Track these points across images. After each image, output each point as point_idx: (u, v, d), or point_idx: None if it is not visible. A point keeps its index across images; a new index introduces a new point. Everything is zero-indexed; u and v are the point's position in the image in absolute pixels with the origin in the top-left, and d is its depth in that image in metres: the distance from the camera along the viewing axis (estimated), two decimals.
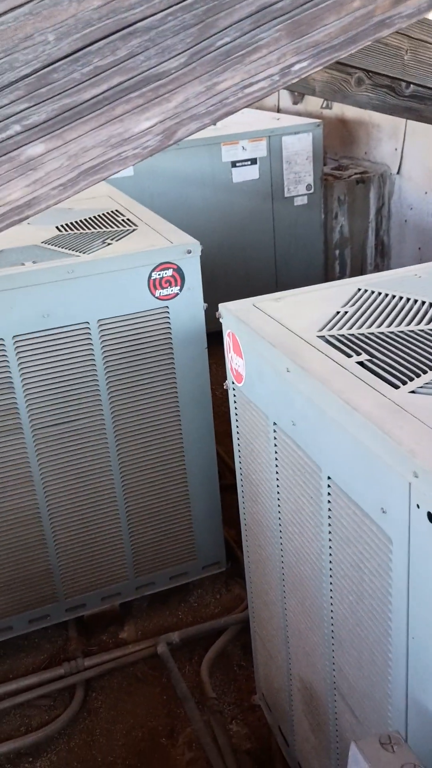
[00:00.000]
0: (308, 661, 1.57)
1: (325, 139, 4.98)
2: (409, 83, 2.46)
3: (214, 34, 0.57)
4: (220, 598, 2.54)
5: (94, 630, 2.42)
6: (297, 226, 4.44)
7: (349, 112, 4.84)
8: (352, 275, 4.55)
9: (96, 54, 0.54)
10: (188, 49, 0.56)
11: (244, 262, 4.38)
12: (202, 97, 0.58)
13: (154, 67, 0.56)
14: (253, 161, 4.18)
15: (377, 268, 4.80)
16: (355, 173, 4.63)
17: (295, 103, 5.48)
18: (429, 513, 0.98)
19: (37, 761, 2.00)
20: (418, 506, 1.00)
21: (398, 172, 4.50)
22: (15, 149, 0.53)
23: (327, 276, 4.70)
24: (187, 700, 2.07)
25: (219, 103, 0.59)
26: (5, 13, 0.50)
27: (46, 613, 2.36)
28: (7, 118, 0.52)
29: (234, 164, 4.14)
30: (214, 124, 0.67)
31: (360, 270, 4.78)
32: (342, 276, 4.73)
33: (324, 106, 5.10)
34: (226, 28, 0.57)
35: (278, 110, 5.66)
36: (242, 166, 4.17)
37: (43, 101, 0.53)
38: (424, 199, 4.34)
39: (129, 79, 0.55)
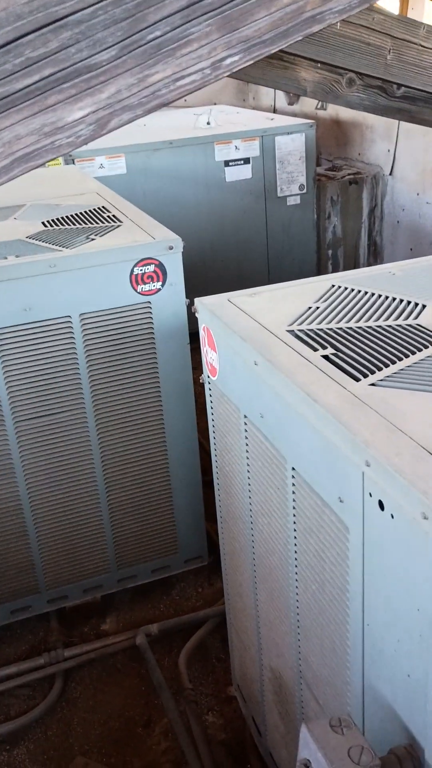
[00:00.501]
0: (277, 651, 1.60)
1: (320, 139, 5.00)
2: (392, 83, 2.49)
3: (144, 28, 0.59)
4: (201, 591, 2.56)
5: (76, 622, 2.44)
6: (290, 226, 4.46)
7: (344, 113, 4.86)
8: None
9: (27, 46, 0.56)
10: (119, 42, 0.59)
11: (237, 260, 4.40)
12: (134, 88, 0.61)
13: (85, 59, 0.58)
14: (246, 161, 4.20)
15: None
16: (349, 174, 4.66)
17: (290, 103, 5.51)
18: (380, 501, 1.00)
19: (15, 749, 2.02)
20: (370, 495, 1.02)
21: (391, 174, 4.52)
22: None
23: (319, 275, 4.72)
24: (163, 690, 2.10)
25: (151, 95, 0.61)
26: None
27: (28, 604, 2.38)
28: None
29: (227, 163, 4.17)
30: (146, 115, 0.68)
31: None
32: None
33: (319, 107, 5.13)
34: (156, 23, 0.60)
35: (274, 110, 5.69)
36: (235, 165, 4.19)
37: None
38: (416, 200, 4.37)
39: (61, 70, 0.58)
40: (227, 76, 0.70)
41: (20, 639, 2.41)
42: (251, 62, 0.65)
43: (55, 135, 0.58)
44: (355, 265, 4.81)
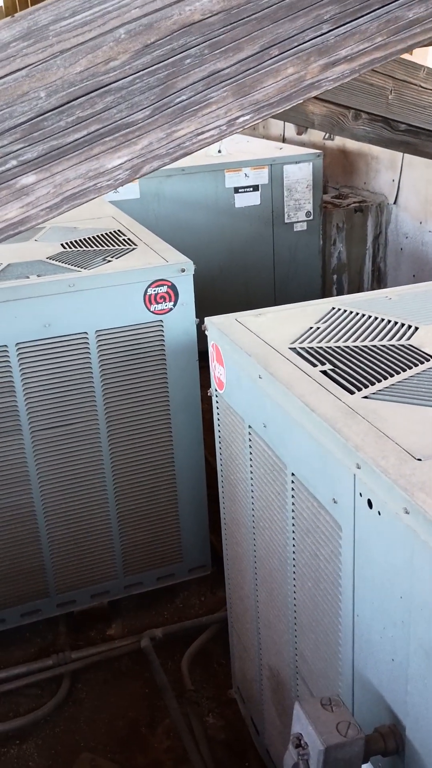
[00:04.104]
0: (276, 649, 1.70)
1: (327, 168, 5.17)
2: (394, 121, 2.63)
3: (173, 93, 0.73)
4: (205, 600, 2.66)
5: (83, 626, 2.54)
6: (296, 251, 4.61)
7: (350, 143, 5.03)
8: None
9: (78, 107, 0.69)
10: (152, 104, 0.72)
11: (245, 284, 4.55)
12: (163, 141, 0.74)
13: (124, 118, 0.72)
14: (255, 188, 4.36)
15: None
16: (354, 202, 4.82)
17: (299, 133, 5.69)
18: (369, 500, 1.12)
19: (24, 744, 2.12)
20: (360, 494, 1.14)
21: (395, 202, 4.68)
22: (12, 179, 0.68)
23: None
24: (166, 692, 2.20)
25: (177, 146, 0.75)
26: (7, 75, 0.65)
27: (38, 608, 2.49)
28: (6, 155, 0.67)
29: (237, 190, 4.33)
30: (172, 162, 0.80)
31: None
32: None
33: (326, 137, 5.30)
34: (183, 89, 0.73)
35: (283, 140, 5.87)
36: (244, 192, 4.35)
37: (35, 142, 0.68)
38: (419, 228, 4.51)
39: (104, 127, 0.71)
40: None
41: (29, 642, 2.51)
42: (260, 120, 0.78)
43: (97, 179, 0.71)
44: (359, 290, 4.95)
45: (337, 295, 4.95)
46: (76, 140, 0.69)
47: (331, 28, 0.75)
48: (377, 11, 0.76)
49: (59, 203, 0.71)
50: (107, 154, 0.71)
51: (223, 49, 0.72)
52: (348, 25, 0.76)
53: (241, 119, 0.76)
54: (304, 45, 0.75)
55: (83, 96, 0.69)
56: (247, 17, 0.72)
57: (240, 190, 4.33)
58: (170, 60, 0.71)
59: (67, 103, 0.68)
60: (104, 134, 0.71)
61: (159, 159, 0.74)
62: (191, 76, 0.72)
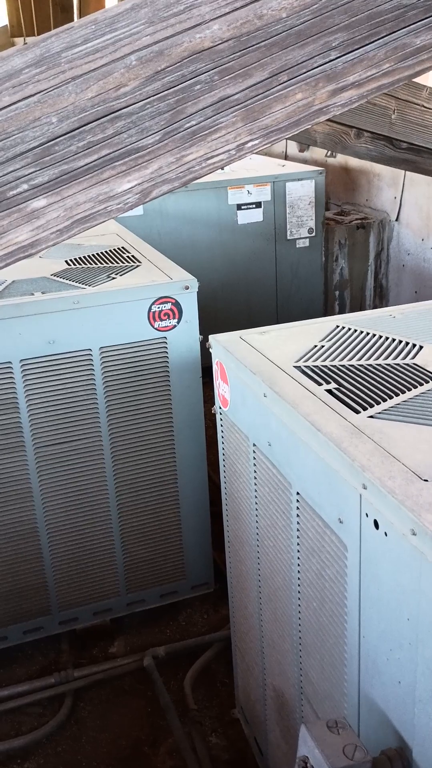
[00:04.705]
0: (280, 669, 1.69)
1: (329, 186, 5.20)
2: (396, 139, 2.65)
3: (183, 119, 0.73)
4: (208, 618, 2.65)
5: (86, 644, 2.53)
6: (298, 267, 4.63)
7: (352, 161, 5.06)
8: None
9: (89, 132, 0.70)
10: (162, 129, 0.73)
11: (247, 300, 4.56)
12: (172, 166, 0.74)
13: (134, 142, 0.72)
14: (258, 205, 4.38)
15: None
16: (356, 219, 4.84)
17: (301, 151, 5.73)
18: (375, 521, 1.11)
19: (26, 763, 2.10)
20: (367, 515, 1.14)
21: (397, 219, 4.70)
22: (23, 202, 0.68)
23: (326, 315, 4.87)
24: (169, 711, 2.18)
25: (186, 170, 0.75)
26: (20, 101, 0.66)
27: (40, 626, 2.47)
28: (18, 179, 0.67)
29: (239, 207, 4.35)
30: (183, 187, 0.80)
31: (359, 311, 4.95)
32: None
33: (329, 154, 5.33)
34: (192, 114, 0.74)
35: (286, 157, 5.90)
36: (247, 209, 4.37)
37: (47, 167, 0.69)
38: (420, 245, 4.53)
39: (114, 151, 0.72)
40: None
41: (31, 659, 2.50)
42: (269, 145, 0.79)
43: (107, 202, 0.72)
44: (361, 306, 4.97)
45: (339, 311, 4.96)
46: (86, 164, 0.70)
47: (339, 54, 0.76)
48: (385, 38, 0.77)
49: (69, 226, 0.71)
50: (117, 178, 0.72)
51: (232, 75, 0.73)
52: (356, 51, 0.77)
53: (250, 144, 0.76)
54: (313, 71, 0.76)
55: (94, 121, 0.69)
56: (257, 44, 0.72)
57: (243, 207, 4.36)
58: (180, 86, 0.72)
59: (79, 128, 0.69)
60: (115, 159, 0.71)
61: (169, 183, 0.74)
62: (201, 101, 0.73)
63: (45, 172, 0.69)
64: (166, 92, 0.72)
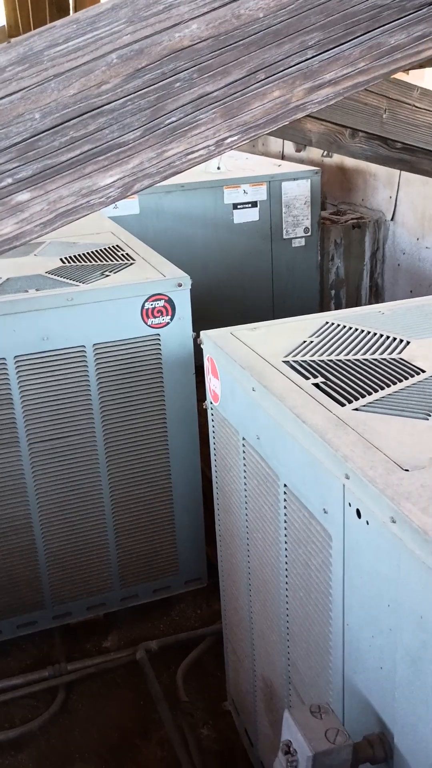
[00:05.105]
0: (269, 660, 1.71)
1: (325, 185, 5.23)
2: (390, 139, 2.68)
3: (163, 115, 0.76)
4: (200, 613, 2.67)
5: (79, 638, 2.55)
6: (294, 267, 4.65)
7: (348, 161, 5.09)
8: None
9: (71, 128, 0.72)
10: (143, 125, 0.75)
11: (243, 299, 4.58)
12: (153, 161, 0.77)
13: (116, 138, 0.75)
14: (254, 204, 4.40)
15: None
16: (352, 218, 4.86)
17: (298, 150, 5.75)
18: (358, 510, 1.14)
19: (19, 754, 2.13)
20: (349, 504, 1.16)
21: (392, 219, 4.72)
22: (7, 196, 0.71)
23: None
24: (160, 703, 2.20)
25: (167, 165, 0.78)
26: (3, 97, 0.68)
27: (34, 620, 2.50)
28: (2, 173, 0.70)
29: (235, 206, 4.37)
30: (163, 181, 0.83)
31: None
32: None
33: (325, 154, 5.36)
34: (173, 111, 0.76)
35: (282, 157, 5.93)
36: (243, 208, 4.39)
37: (30, 161, 0.71)
38: (416, 244, 4.56)
39: (96, 147, 0.74)
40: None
41: (25, 653, 2.52)
42: (248, 141, 0.81)
43: (90, 196, 0.74)
44: (357, 305, 4.99)
45: (335, 310, 4.99)
46: (69, 159, 0.72)
47: (315, 53, 0.79)
48: (360, 38, 0.79)
49: (53, 219, 0.73)
50: (99, 172, 0.74)
51: (211, 73, 0.76)
52: (332, 50, 0.79)
53: (229, 140, 0.79)
54: (290, 69, 0.78)
55: (76, 117, 0.72)
56: (234, 43, 0.75)
57: (239, 206, 4.38)
58: (160, 83, 0.74)
59: (61, 124, 0.72)
60: (97, 154, 0.74)
61: (150, 177, 0.77)
62: (181, 98, 0.75)
63: (28, 166, 0.71)
64: (146, 89, 0.74)
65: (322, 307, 4.91)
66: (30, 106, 0.69)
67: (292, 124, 3.30)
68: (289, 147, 5.86)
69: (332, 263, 4.86)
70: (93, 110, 0.72)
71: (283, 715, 1.37)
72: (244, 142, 0.79)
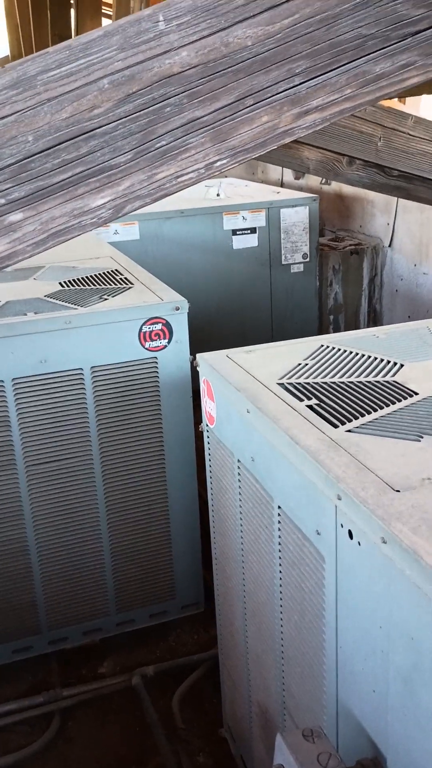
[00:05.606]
0: (264, 685, 1.70)
1: (324, 212, 5.28)
2: (387, 167, 2.72)
3: (154, 139, 0.78)
4: (197, 638, 2.65)
5: (75, 663, 2.53)
6: (293, 292, 4.68)
7: (346, 188, 5.15)
8: None
9: (64, 150, 0.74)
10: (134, 148, 0.77)
11: (242, 324, 4.61)
12: (144, 183, 0.79)
13: (108, 161, 0.76)
14: (253, 230, 4.45)
15: None
16: (350, 245, 4.91)
17: (297, 178, 5.82)
18: (350, 531, 1.14)
19: None
20: (342, 525, 1.16)
21: (390, 245, 4.77)
22: (0, 216, 0.72)
23: None
24: (156, 730, 2.18)
25: (158, 188, 0.79)
26: None
27: (29, 645, 2.48)
28: None
29: (234, 232, 4.42)
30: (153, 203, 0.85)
31: None
32: None
33: (323, 182, 5.42)
34: (163, 134, 0.78)
35: (281, 184, 6.00)
36: (242, 234, 4.44)
37: (23, 182, 0.73)
38: (413, 270, 4.59)
39: (88, 169, 0.76)
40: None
41: (20, 678, 2.49)
42: (237, 165, 0.83)
43: (81, 217, 0.76)
44: None
45: None
46: (61, 181, 0.74)
47: (302, 80, 0.81)
48: (346, 66, 0.82)
49: (45, 239, 0.75)
50: (91, 194, 0.76)
51: (201, 98, 0.78)
52: (319, 78, 0.81)
53: (219, 163, 0.80)
54: (278, 96, 0.80)
55: (69, 140, 0.74)
56: (223, 70, 0.77)
57: (238, 233, 4.42)
58: (151, 108, 0.76)
59: (54, 146, 0.74)
60: (88, 176, 0.75)
61: (141, 199, 0.78)
62: (171, 123, 0.77)
63: (21, 187, 0.73)
64: (137, 114, 0.76)
65: (321, 332, 4.94)
66: (23, 129, 0.71)
67: (290, 152, 3.35)
68: (288, 174, 5.93)
69: (331, 289, 4.89)
70: (85, 133, 0.74)
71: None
72: (233, 166, 0.81)
